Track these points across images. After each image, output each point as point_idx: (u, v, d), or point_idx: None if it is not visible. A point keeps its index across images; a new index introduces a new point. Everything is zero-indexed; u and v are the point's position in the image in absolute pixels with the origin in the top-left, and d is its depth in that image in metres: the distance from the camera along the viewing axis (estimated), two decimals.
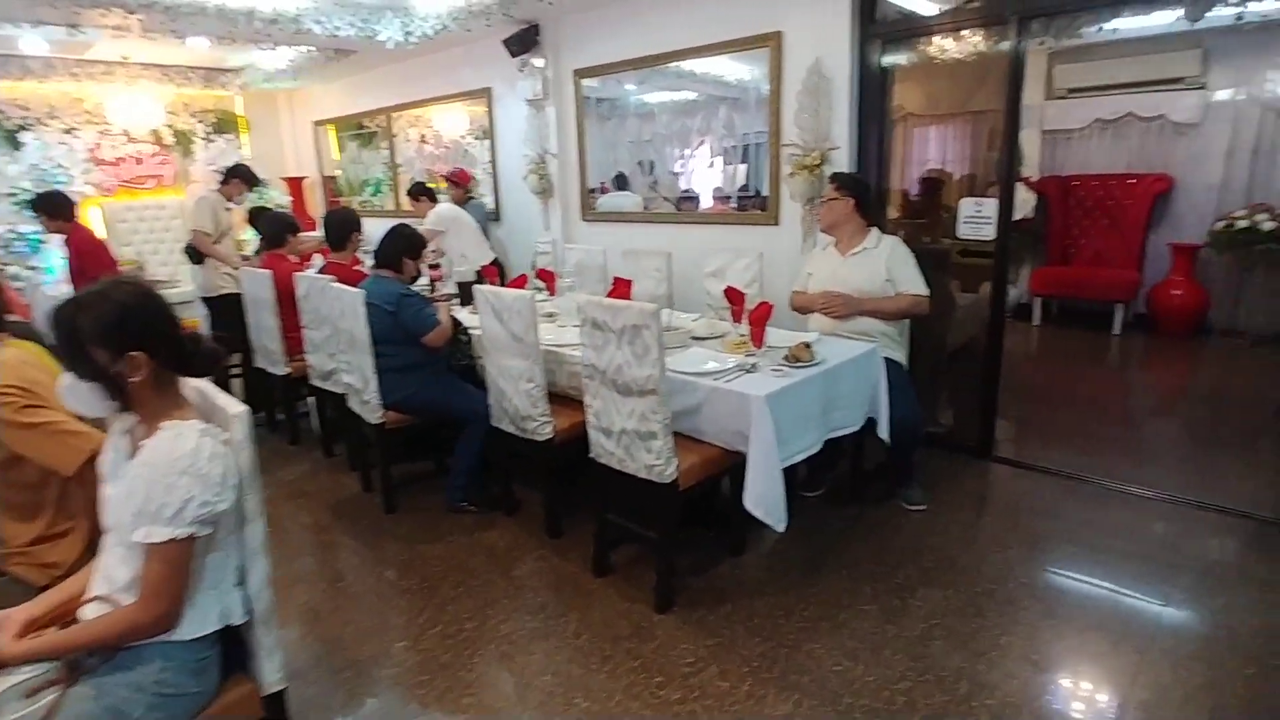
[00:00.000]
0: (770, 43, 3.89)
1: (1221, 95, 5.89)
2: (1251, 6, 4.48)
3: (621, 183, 5.06)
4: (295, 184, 8.04)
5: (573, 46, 4.95)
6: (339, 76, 7.11)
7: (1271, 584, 2.47)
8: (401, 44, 5.29)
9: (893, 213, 4.03)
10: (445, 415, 3.20)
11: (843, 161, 3.67)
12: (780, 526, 2.33)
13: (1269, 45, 5.58)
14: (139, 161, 7.14)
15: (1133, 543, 2.78)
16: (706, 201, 4.62)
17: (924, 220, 3.79)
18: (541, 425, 2.82)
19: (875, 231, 3.17)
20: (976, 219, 3.40)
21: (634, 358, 2.27)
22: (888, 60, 3.63)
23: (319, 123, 7.83)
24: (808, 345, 2.66)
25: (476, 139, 6.07)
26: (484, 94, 5.70)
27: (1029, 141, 6.74)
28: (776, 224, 4.06)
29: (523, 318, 2.75)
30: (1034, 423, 4.25)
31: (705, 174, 4.65)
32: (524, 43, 5.01)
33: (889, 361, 3.01)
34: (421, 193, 5.37)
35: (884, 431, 2.87)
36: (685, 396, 2.50)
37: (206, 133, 7.35)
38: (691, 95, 4.62)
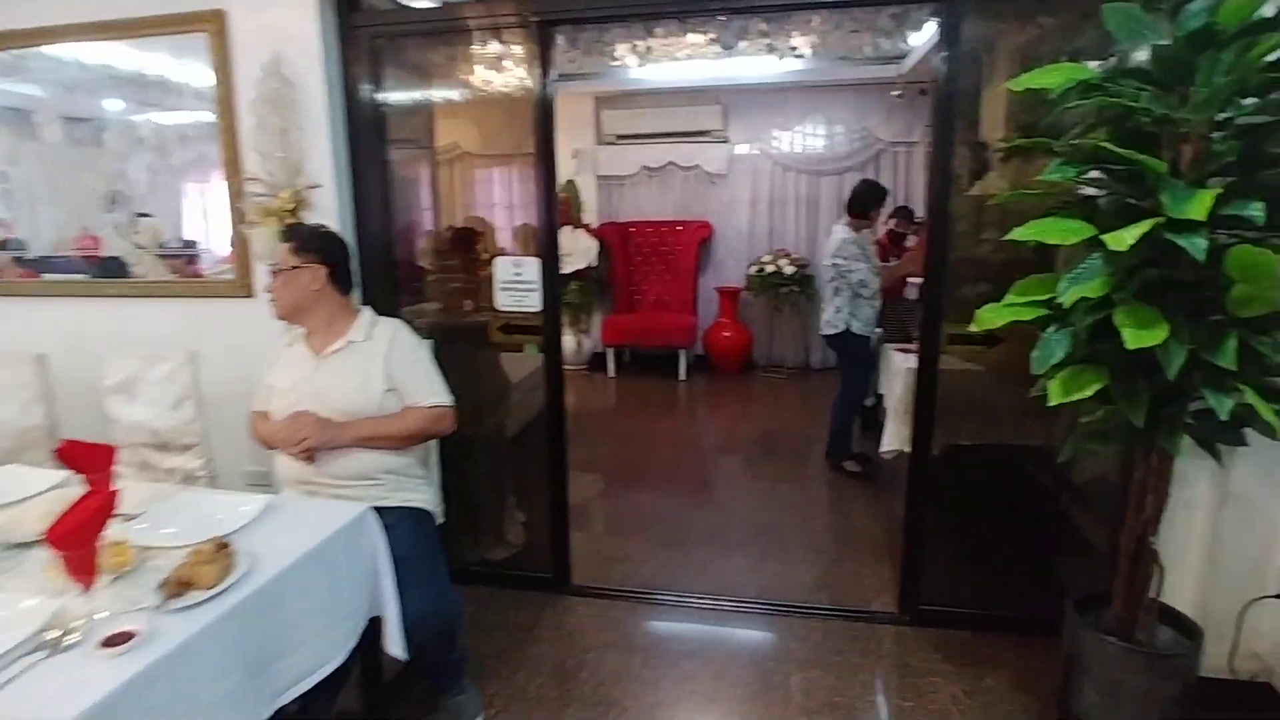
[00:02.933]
0: (208, 26, 2.57)
1: (741, 149, 6.32)
2: (764, 66, 4.65)
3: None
4: None
5: None
6: None
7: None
8: None
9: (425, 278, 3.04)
10: None
11: (329, 208, 2.53)
12: None
13: (771, 106, 6.13)
14: None
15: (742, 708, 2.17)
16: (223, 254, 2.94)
17: (461, 286, 2.88)
18: None
19: (367, 315, 2.08)
20: (516, 286, 2.57)
21: None
22: (390, 69, 2.62)
23: None
24: (223, 546, 1.43)
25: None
26: None
27: (586, 186, 6.52)
28: (249, 295, 2.73)
29: None
30: (613, 510, 3.67)
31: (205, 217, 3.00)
32: None
33: (407, 514, 1.95)
34: None
35: (395, 644, 1.77)
36: None
37: None
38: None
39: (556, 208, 2.53)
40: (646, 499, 3.83)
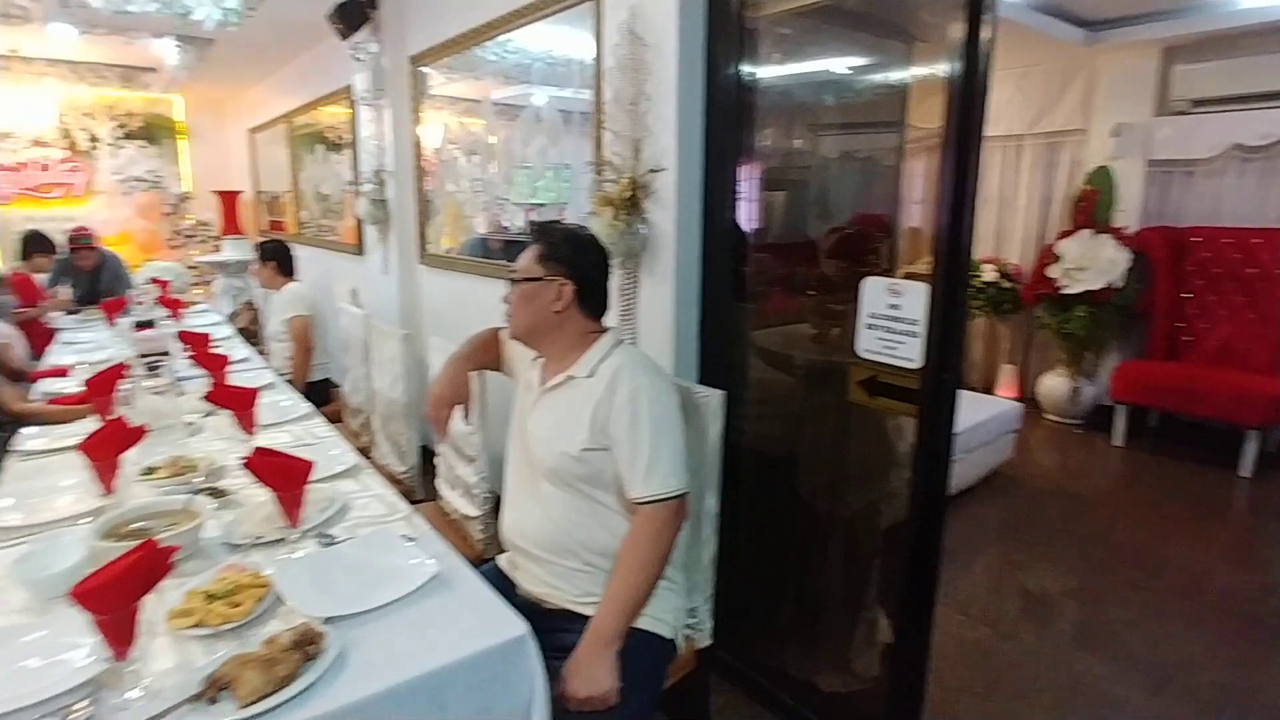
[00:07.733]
0: None
1: None
2: None
3: None
4: (228, 198, 7.05)
5: (413, 22, 3.52)
6: (253, 77, 6.08)
7: None
8: (223, 23, 4.07)
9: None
10: None
11: (668, 197, 2.02)
12: None
13: None
14: (44, 168, 6.37)
15: None
16: None
17: (832, 309, 2.08)
18: None
19: (603, 343, 1.49)
20: (889, 324, 1.67)
21: None
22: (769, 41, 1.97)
23: (254, 129, 6.81)
24: (311, 640, 1.07)
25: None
26: (345, 94, 4.35)
27: (1128, 175, 4.72)
28: None
29: None
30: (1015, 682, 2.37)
31: None
32: (351, 17, 3.63)
33: (645, 638, 1.37)
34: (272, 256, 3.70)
35: None
36: None
37: (116, 138, 6.47)
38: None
39: (970, 209, 1.52)
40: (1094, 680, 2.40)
